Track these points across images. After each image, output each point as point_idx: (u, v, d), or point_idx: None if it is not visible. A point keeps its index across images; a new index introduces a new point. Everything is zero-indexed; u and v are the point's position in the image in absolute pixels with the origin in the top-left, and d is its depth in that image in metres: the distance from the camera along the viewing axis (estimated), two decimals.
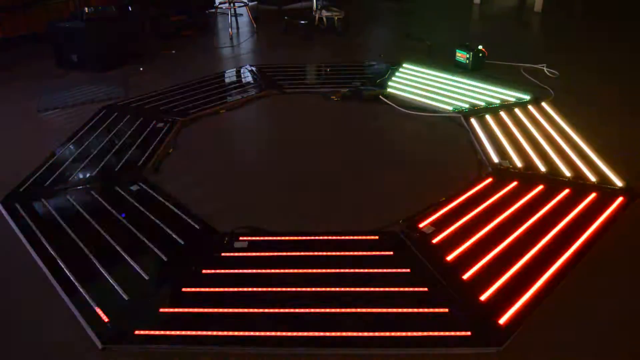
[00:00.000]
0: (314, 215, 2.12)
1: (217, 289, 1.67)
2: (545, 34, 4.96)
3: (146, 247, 1.89)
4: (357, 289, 1.64)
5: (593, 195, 2.11)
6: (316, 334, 1.48)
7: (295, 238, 1.91)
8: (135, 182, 2.34)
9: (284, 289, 1.65)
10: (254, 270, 1.75)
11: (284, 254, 1.82)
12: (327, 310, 1.56)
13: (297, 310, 1.56)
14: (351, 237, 1.89)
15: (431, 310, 1.54)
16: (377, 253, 1.81)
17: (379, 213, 2.08)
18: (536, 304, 1.57)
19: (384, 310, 1.55)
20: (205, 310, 1.58)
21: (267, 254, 1.83)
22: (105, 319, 1.56)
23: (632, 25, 5.10)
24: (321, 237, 1.90)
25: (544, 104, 3.05)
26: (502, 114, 2.94)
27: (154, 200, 2.20)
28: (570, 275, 1.69)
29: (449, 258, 1.77)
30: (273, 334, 1.48)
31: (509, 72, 3.67)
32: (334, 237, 1.89)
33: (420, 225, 1.95)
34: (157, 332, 1.50)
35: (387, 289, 1.64)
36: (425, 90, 3.34)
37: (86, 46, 3.89)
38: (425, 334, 1.46)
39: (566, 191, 2.14)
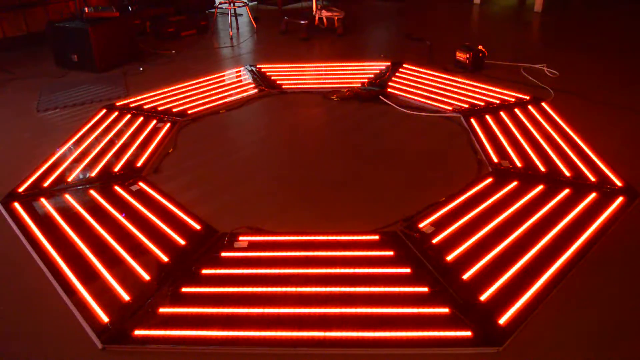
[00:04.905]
0: (314, 215, 2.12)
1: (216, 289, 1.67)
2: (545, 34, 4.95)
3: (146, 247, 1.89)
4: (357, 289, 1.64)
5: (593, 195, 2.11)
6: (316, 334, 1.48)
7: (295, 238, 1.91)
8: (135, 182, 2.34)
9: (283, 289, 1.65)
10: (254, 270, 1.75)
11: (284, 254, 1.82)
12: (327, 310, 1.56)
13: (297, 310, 1.56)
14: (351, 237, 1.89)
15: (431, 310, 1.55)
16: (377, 253, 1.81)
17: (379, 213, 2.08)
18: (536, 304, 1.57)
19: (384, 310, 1.55)
20: (205, 310, 1.58)
21: (267, 254, 1.83)
22: (105, 319, 1.56)
23: (632, 24, 5.10)
24: (321, 237, 1.90)
25: (544, 104, 3.05)
26: (502, 114, 2.94)
27: (154, 200, 2.20)
28: (570, 275, 1.69)
29: (449, 258, 1.77)
30: (273, 334, 1.48)
31: (509, 72, 3.67)
32: (334, 237, 1.89)
33: (420, 225, 1.95)
34: (156, 332, 1.50)
35: (387, 289, 1.64)
36: (425, 90, 3.34)
37: (86, 46, 3.88)
38: (425, 334, 1.46)
39: (566, 191, 2.14)
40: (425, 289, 1.63)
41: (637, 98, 3.18)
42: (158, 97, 3.35)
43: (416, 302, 1.58)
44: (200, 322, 1.53)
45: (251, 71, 3.85)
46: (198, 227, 2.00)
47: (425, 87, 3.39)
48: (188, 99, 3.31)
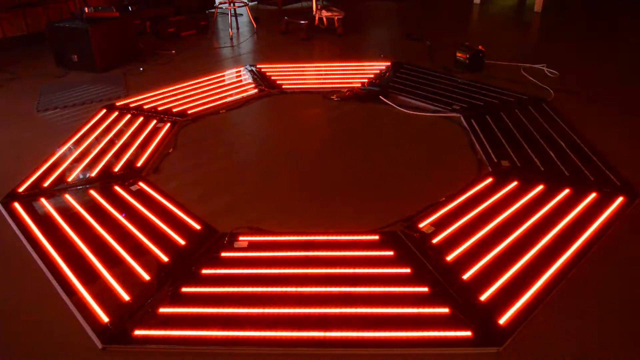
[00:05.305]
0: (314, 215, 2.12)
1: (216, 289, 1.67)
2: (545, 34, 4.96)
3: (146, 247, 1.89)
4: (357, 289, 1.64)
5: (593, 195, 2.11)
6: (316, 334, 1.48)
7: (295, 238, 1.91)
8: (135, 182, 2.34)
9: (283, 289, 1.65)
10: (254, 270, 1.75)
11: (284, 254, 1.82)
12: (327, 310, 1.56)
13: (297, 310, 1.56)
14: (351, 237, 1.89)
15: (431, 310, 1.55)
16: (377, 253, 1.81)
17: (379, 213, 2.08)
18: (536, 304, 1.57)
19: (384, 310, 1.55)
20: (205, 310, 1.58)
21: (267, 254, 1.83)
22: (105, 319, 1.56)
23: (632, 24, 5.10)
24: (321, 237, 1.90)
25: (543, 104, 3.05)
26: (502, 114, 2.94)
27: (154, 200, 2.20)
28: (570, 275, 1.69)
29: (449, 258, 1.77)
30: (273, 334, 1.48)
31: (509, 72, 3.67)
32: (334, 237, 1.89)
33: (420, 225, 1.95)
34: (156, 332, 1.50)
35: (387, 289, 1.64)
36: (425, 90, 3.34)
37: (86, 46, 3.88)
38: (425, 334, 1.46)
39: (566, 191, 2.14)
40: (425, 289, 1.63)
41: (637, 98, 3.19)
42: (158, 97, 3.35)
43: (416, 302, 1.58)
44: (200, 322, 1.53)
45: (251, 71, 3.85)
46: (198, 227, 2.00)
47: (425, 87, 3.39)
48: (188, 99, 3.32)
